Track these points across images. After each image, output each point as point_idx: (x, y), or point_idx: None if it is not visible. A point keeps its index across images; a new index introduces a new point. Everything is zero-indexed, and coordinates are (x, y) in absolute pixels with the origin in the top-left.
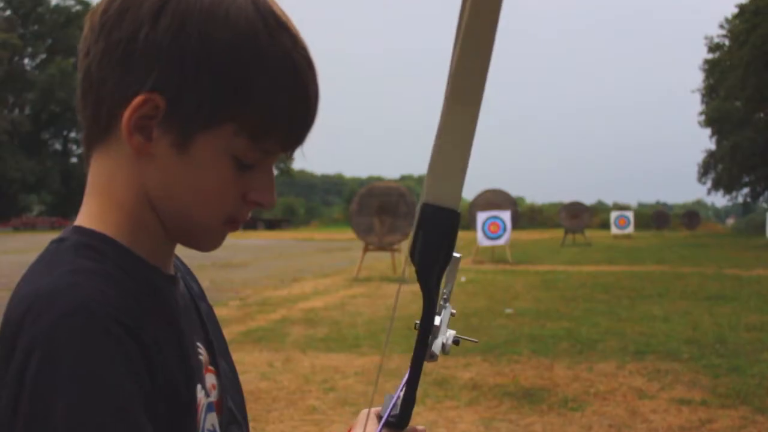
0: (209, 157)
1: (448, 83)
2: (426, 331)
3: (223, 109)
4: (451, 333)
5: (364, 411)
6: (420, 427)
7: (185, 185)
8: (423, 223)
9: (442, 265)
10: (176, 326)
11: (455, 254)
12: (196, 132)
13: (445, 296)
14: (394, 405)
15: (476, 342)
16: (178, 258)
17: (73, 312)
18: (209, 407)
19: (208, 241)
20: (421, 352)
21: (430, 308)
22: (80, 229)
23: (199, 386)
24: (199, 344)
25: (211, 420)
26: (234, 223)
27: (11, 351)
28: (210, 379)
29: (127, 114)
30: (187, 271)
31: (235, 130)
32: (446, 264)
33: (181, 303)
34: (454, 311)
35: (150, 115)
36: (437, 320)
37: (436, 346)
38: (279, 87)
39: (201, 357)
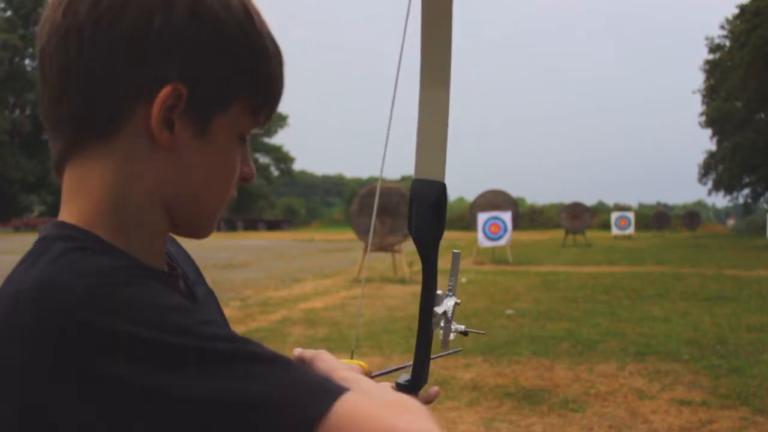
0: (224, 140)
1: (420, 73)
2: (429, 297)
3: (235, 90)
4: (453, 301)
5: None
6: (434, 388)
7: (203, 172)
8: (415, 197)
9: (436, 234)
10: None
11: (455, 250)
12: (213, 116)
13: (450, 287)
14: (405, 367)
15: (484, 333)
16: (171, 239)
17: (79, 284)
18: None
19: (209, 226)
20: (428, 317)
21: (430, 276)
22: (64, 224)
23: None
24: None
25: None
26: (229, 202)
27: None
28: None
29: (156, 108)
30: (182, 254)
31: (242, 109)
32: (441, 233)
33: None
34: (458, 301)
35: (172, 106)
36: (438, 292)
37: (440, 309)
38: (273, 61)
39: None
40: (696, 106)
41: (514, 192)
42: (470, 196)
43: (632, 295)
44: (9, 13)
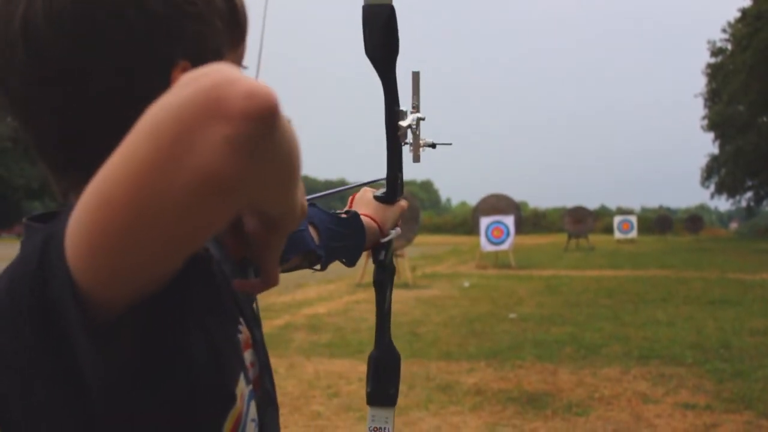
0: None
1: None
2: (393, 112)
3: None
4: (417, 116)
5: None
6: (403, 202)
7: None
8: (366, 22)
9: (390, 52)
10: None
11: (414, 70)
12: None
13: (414, 104)
14: (379, 180)
15: (450, 144)
16: None
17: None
18: (251, 395)
19: None
20: (394, 131)
21: (391, 93)
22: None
23: (241, 375)
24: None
25: (253, 408)
26: None
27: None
28: (249, 356)
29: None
30: None
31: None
32: (395, 52)
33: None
34: (423, 116)
35: None
36: (403, 108)
37: (404, 123)
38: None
39: (241, 335)
40: (698, 109)
41: (517, 196)
42: (473, 201)
43: (635, 299)
44: None
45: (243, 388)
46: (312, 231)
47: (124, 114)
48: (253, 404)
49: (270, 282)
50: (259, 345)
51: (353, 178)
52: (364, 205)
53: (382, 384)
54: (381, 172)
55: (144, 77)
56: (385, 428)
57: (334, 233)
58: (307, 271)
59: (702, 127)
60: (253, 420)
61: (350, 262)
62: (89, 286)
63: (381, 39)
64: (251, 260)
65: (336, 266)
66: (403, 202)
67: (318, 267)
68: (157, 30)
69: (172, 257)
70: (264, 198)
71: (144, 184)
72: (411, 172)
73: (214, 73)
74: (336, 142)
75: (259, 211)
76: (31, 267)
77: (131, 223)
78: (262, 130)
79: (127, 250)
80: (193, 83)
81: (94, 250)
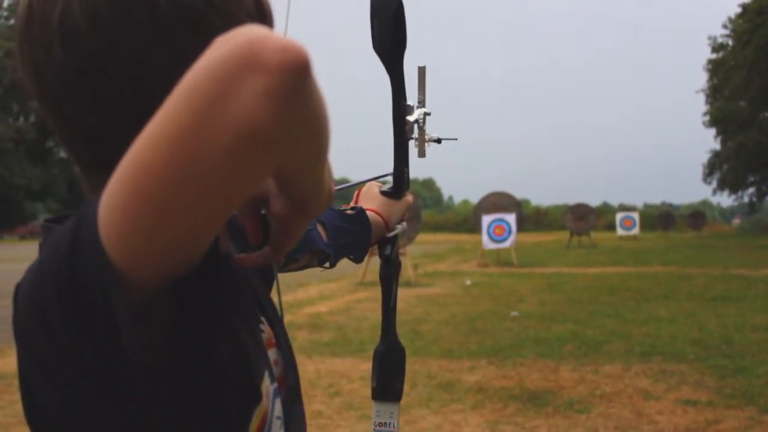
0: None
1: None
2: (400, 106)
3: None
4: (423, 111)
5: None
6: (409, 196)
7: None
8: (375, 13)
9: (397, 46)
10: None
11: (420, 65)
12: None
13: (420, 99)
14: (386, 175)
15: (456, 139)
16: None
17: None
18: (276, 392)
19: None
20: (401, 125)
21: (397, 87)
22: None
23: (266, 373)
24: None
25: (278, 406)
26: None
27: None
28: (273, 354)
29: None
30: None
31: None
32: (402, 45)
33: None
34: (429, 111)
35: None
36: (409, 103)
37: (411, 118)
38: None
39: (264, 333)
40: (700, 105)
41: (518, 194)
42: (474, 199)
43: (637, 296)
44: (12, 21)
45: (268, 386)
46: (320, 229)
47: (149, 108)
48: (278, 402)
49: (274, 257)
50: (282, 342)
51: (354, 176)
52: (370, 199)
53: (388, 379)
54: (379, 172)
55: (170, 71)
56: (390, 423)
57: (342, 230)
58: (308, 270)
59: (704, 123)
60: (278, 417)
61: (357, 259)
62: (122, 263)
63: (389, 33)
64: (270, 244)
65: (337, 265)
66: (409, 197)
67: (327, 265)
68: (187, 23)
69: (208, 224)
70: (296, 164)
71: (183, 144)
72: (413, 170)
73: (247, 31)
74: (338, 140)
75: (288, 187)
76: (62, 251)
77: (170, 187)
78: (297, 82)
79: (165, 216)
80: (227, 42)
81: (130, 220)
